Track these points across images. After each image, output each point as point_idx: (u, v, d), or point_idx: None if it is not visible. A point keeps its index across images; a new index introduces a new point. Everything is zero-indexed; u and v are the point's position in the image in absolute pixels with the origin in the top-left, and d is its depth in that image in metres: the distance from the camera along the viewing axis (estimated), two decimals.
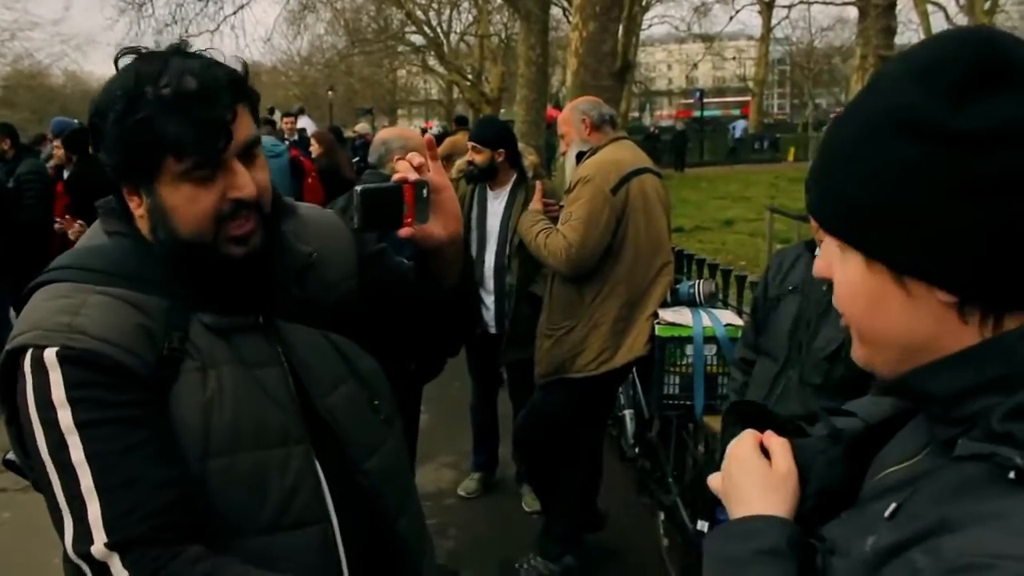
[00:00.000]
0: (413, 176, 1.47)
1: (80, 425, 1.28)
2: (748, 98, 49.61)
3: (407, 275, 1.70)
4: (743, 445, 1.10)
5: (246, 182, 1.37)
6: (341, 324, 1.58)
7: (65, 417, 1.28)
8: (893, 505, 0.87)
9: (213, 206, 1.36)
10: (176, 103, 1.30)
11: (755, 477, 1.05)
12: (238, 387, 1.40)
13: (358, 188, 1.43)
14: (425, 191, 1.48)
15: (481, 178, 4.73)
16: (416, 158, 1.50)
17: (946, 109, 0.79)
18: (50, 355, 1.30)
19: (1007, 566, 0.70)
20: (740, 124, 40.00)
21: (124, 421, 1.30)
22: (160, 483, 1.29)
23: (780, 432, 1.16)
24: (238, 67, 1.42)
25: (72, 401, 1.28)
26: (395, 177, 1.48)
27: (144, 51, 1.39)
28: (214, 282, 1.41)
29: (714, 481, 1.12)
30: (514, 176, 4.74)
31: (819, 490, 1.05)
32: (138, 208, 1.41)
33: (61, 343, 1.30)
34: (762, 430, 1.15)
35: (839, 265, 0.92)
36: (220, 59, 1.41)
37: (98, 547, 1.25)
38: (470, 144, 4.74)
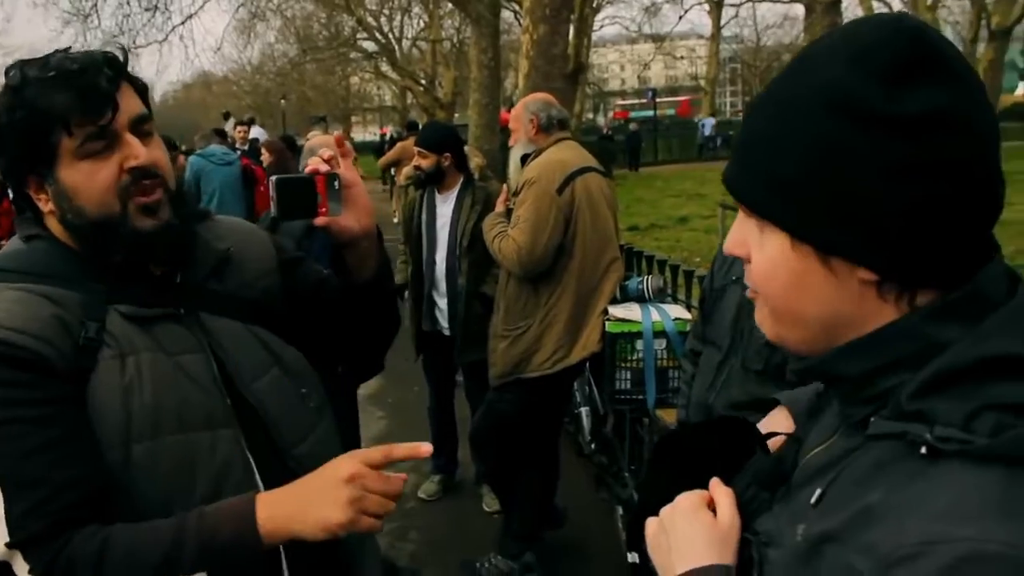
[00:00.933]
0: (324, 168, 1.52)
1: None
2: (682, 98, 49.42)
3: (328, 280, 1.75)
4: (689, 498, 1.08)
5: (140, 151, 1.41)
6: (263, 320, 1.61)
7: None
8: (818, 492, 0.89)
9: (113, 178, 1.40)
10: (59, 79, 1.36)
11: (702, 529, 1.04)
12: (157, 372, 1.41)
13: (273, 178, 1.50)
14: (336, 183, 1.53)
15: (428, 182, 4.78)
16: (326, 152, 1.55)
17: (879, 92, 0.81)
18: None
19: (938, 550, 0.72)
20: (708, 122, 39.93)
21: (34, 420, 1.30)
22: (66, 483, 1.29)
23: (704, 440, 1.19)
24: (118, 52, 1.48)
25: None
26: (307, 170, 1.53)
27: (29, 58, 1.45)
28: (131, 265, 1.45)
29: (650, 527, 1.10)
30: (461, 179, 4.79)
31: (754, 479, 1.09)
32: (46, 204, 1.44)
33: None
34: (690, 458, 1.17)
35: (756, 243, 0.93)
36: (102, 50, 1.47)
37: None
38: (416, 149, 4.78)
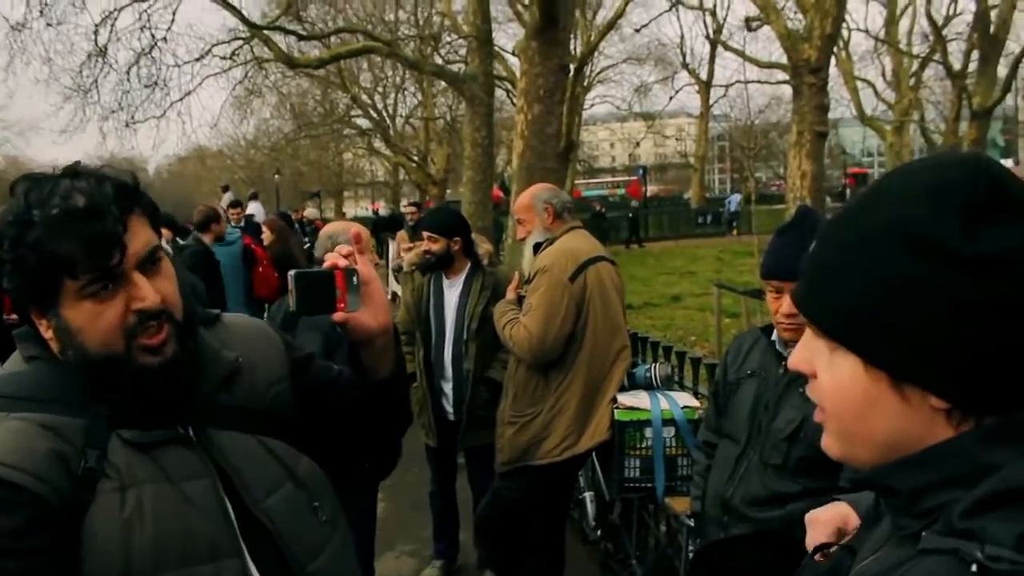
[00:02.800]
0: (343, 263, 1.51)
1: None
2: (632, 177, 49.84)
3: (339, 376, 1.71)
4: None
5: (147, 293, 1.37)
6: (275, 428, 1.58)
7: None
8: None
9: (118, 320, 1.36)
10: (64, 222, 1.31)
11: None
12: (160, 504, 1.36)
13: (292, 272, 1.49)
14: (355, 279, 1.51)
15: (438, 266, 4.78)
16: (344, 248, 1.54)
17: (958, 232, 0.84)
18: None
19: None
20: (735, 198, 39.90)
21: (22, 571, 1.25)
22: None
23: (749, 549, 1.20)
24: (128, 179, 1.43)
25: None
26: (326, 264, 1.52)
27: (37, 175, 1.40)
28: (132, 396, 1.39)
29: None
30: (468, 264, 4.81)
31: None
32: (47, 331, 1.41)
33: None
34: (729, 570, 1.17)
35: (826, 364, 0.96)
36: (111, 174, 1.41)
37: None
38: (426, 234, 4.80)
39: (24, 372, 1.44)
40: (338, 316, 1.51)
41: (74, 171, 1.39)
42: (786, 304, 2.61)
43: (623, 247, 30.70)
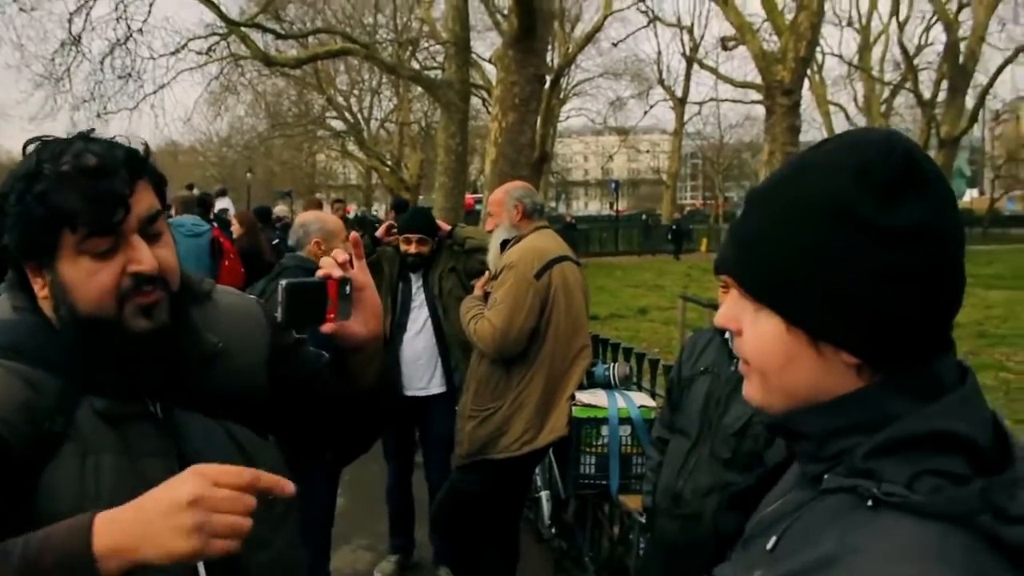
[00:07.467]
0: (337, 273, 1.48)
1: None
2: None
3: (323, 370, 1.69)
4: None
5: (145, 256, 1.37)
6: (244, 415, 1.56)
7: None
8: (774, 539, 1.00)
9: (113, 281, 1.36)
10: (73, 177, 1.33)
11: None
12: (116, 477, 1.36)
13: (283, 283, 1.43)
14: (348, 288, 1.49)
15: (427, 266, 4.92)
16: (341, 255, 1.51)
17: (876, 205, 0.93)
18: None
19: None
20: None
21: None
22: None
23: None
24: (140, 147, 1.45)
25: None
26: (319, 273, 1.48)
27: (50, 138, 1.42)
28: (116, 361, 1.40)
29: None
30: None
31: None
32: (41, 290, 1.41)
33: None
34: None
35: (751, 321, 1.04)
36: (123, 142, 1.43)
37: None
38: (416, 237, 4.87)
39: (11, 322, 1.44)
40: (327, 327, 1.48)
41: (87, 136, 1.42)
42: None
43: (674, 257, 31.96)
